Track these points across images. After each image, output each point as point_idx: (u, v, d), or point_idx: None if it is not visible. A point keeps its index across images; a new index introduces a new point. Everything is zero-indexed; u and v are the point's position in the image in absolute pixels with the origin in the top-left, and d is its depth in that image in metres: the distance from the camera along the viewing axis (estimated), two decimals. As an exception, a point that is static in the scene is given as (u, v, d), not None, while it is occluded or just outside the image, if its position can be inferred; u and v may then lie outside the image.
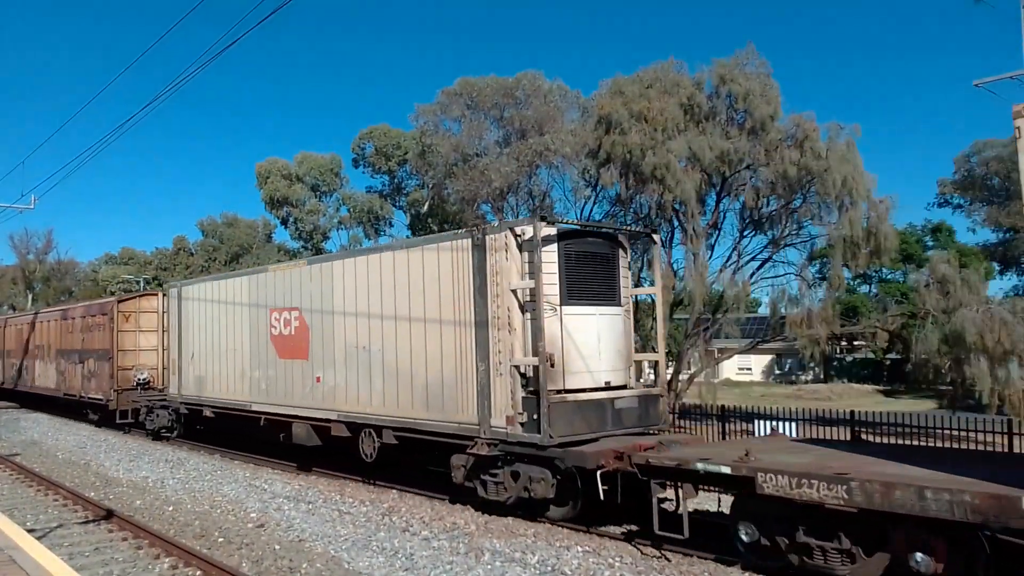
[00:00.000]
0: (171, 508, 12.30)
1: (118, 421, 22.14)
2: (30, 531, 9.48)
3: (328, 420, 13.73)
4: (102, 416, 23.83)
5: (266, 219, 57.44)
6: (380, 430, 12.64)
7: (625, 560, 8.68)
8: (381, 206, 46.05)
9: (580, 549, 9.14)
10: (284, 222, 49.64)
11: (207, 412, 18.02)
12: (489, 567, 8.57)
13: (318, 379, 14.17)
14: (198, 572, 8.65)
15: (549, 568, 8.48)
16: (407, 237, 33.74)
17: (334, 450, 14.41)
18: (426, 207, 39.17)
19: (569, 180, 27.13)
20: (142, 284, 54.36)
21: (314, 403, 14.23)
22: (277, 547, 9.68)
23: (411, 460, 13.14)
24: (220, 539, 10.19)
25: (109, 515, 11.28)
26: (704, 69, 21.18)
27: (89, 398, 24.06)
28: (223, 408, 17.24)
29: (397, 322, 12.30)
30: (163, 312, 22.24)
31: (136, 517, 11.44)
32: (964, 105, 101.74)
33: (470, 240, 11.06)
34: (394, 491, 12.96)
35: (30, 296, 68.45)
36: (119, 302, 23.17)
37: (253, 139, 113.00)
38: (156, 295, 23.84)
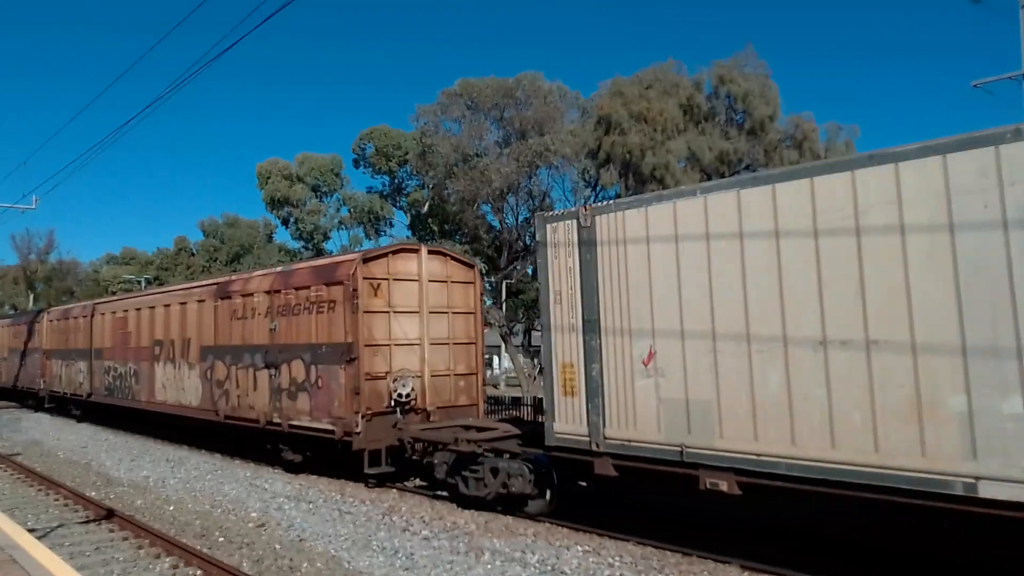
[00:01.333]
0: (172, 508, 12.33)
1: (367, 469, 12.82)
2: (31, 531, 9.53)
3: None
4: (314, 456, 14.47)
5: (267, 219, 57.61)
6: None
7: (625, 560, 8.70)
8: (381, 206, 46.11)
9: (580, 549, 9.17)
10: (285, 222, 49.74)
11: (718, 484, 8.22)
12: (489, 566, 8.60)
13: None
14: (199, 571, 8.67)
15: (549, 568, 8.51)
16: None
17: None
18: (426, 207, 39.24)
19: (569, 180, 27.28)
20: (143, 284, 54.36)
21: None
22: (278, 546, 9.71)
23: None
24: (221, 539, 10.22)
25: (110, 515, 11.31)
26: (703, 70, 21.30)
27: (294, 427, 14.20)
28: (798, 479, 7.52)
29: None
30: (426, 280, 14.09)
31: (137, 517, 11.46)
32: (963, 105, 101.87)
33: None
34: (394, 491, 12.99)
35: (31, 296, 68.54)
36: (365, 261, 13.49)
37: (254, 139, 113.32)
38: (417, 250, 14.34)
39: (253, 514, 11.60)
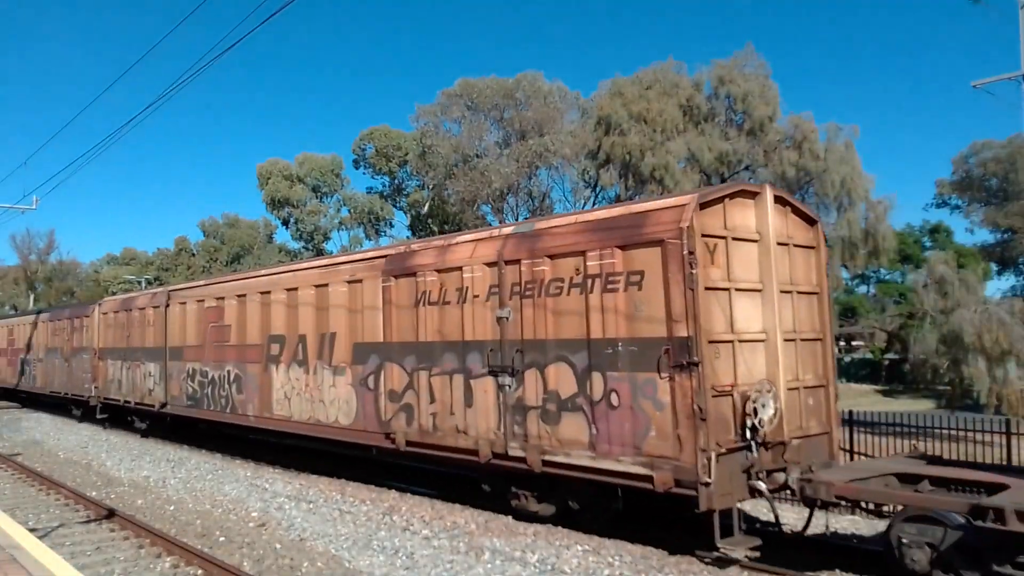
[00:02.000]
0: (172, 507, 12.34)
1: (720, 542, 8.07)
2: (32, 530, 9.55)
3: None
4: (584, 508, 9.81)
5: (267, 219, 57.70)
6: None
7: (624, 559, 8.71)
8: (382, 207, 46.18)
9: (580, 548, 9.17)
10: (285, 223, 49.85)
11: None
12: (489, 565, 8.61)
13: None
14: (199, 571, 8.69)
15: (549, 567, 8.52)
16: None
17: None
18: (426, 208, 39.28)
19: (569, 181, 27.35)
20: (143, 284, 54.34)
21: None
22: (278, 546, 9.73)
23: None
24: (221, 538, 10.23)
25: (111, 514, 11.33)
26: (703, 70, 21.33)
27: (553, 464, 9.52)
28: None
29: None
30: (773, 242, 9.16)
31: (138, 516, 11.48)
32: (963, 106, 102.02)
33: None
34: (394, 491, 13.00)
35: (31, 296, 68.59)
36: (701, 206, 8.44)
37: (254, 140, 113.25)
38: (757, 193, 9.34)
39: (254, 514, 11.61)
